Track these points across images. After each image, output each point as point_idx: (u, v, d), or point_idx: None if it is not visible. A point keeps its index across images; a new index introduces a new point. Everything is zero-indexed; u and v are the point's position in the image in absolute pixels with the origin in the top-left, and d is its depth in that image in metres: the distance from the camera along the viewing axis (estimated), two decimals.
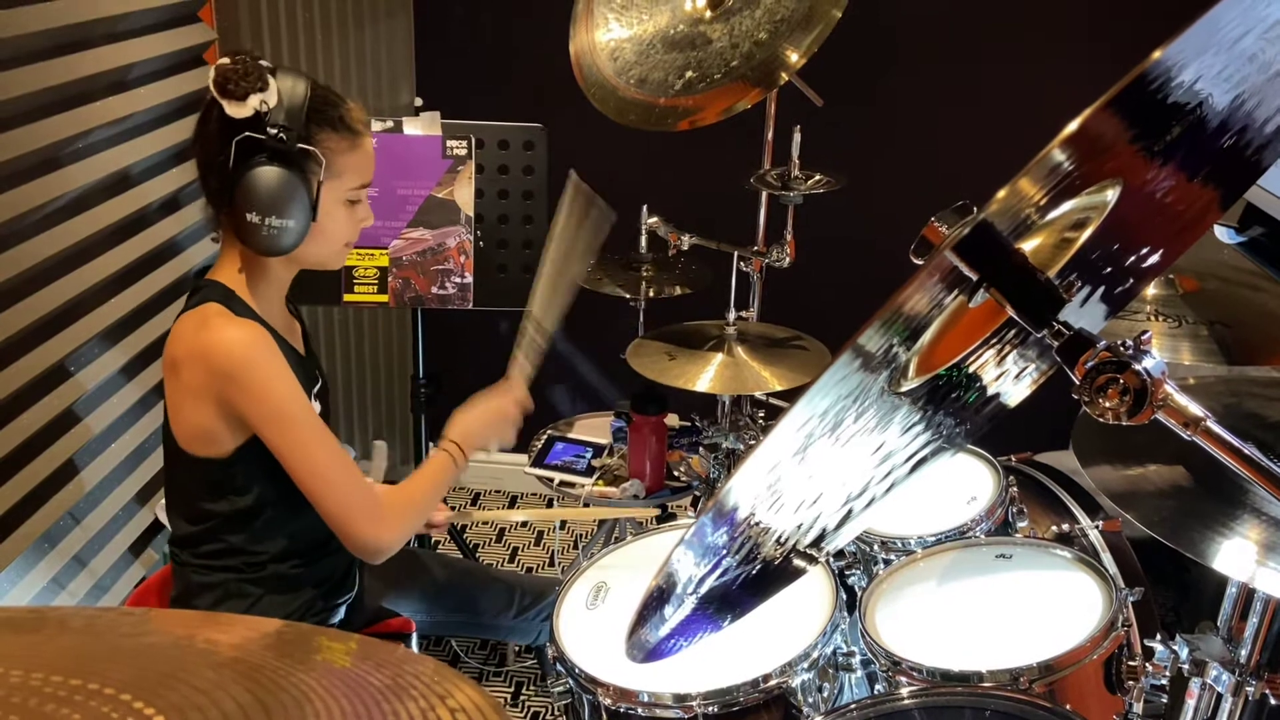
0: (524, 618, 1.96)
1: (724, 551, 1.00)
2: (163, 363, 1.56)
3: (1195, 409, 0.77)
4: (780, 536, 1.04)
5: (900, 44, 2.74)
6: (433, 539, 2.71)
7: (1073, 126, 0.68)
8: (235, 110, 1.43)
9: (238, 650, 0.51)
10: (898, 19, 2.70)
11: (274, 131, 1.44)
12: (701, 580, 1.03)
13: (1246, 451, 0.77)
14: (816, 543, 1.10)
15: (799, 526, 1.04)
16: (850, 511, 1.08)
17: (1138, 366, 0.75)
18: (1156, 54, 0.66)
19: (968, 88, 2.72)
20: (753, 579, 1.09)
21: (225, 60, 1.44)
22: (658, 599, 1.01)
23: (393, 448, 3.20)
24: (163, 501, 2.23)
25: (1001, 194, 0.71)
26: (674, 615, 1.06)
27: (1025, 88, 2.66)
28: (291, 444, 1.49)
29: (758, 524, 0.98)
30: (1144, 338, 0.77)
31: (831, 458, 0.95)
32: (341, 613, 1.72)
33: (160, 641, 0.53)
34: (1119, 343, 0.77)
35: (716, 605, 1.11)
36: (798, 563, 1.13)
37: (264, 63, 1.47)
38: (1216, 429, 0.77)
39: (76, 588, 2.03)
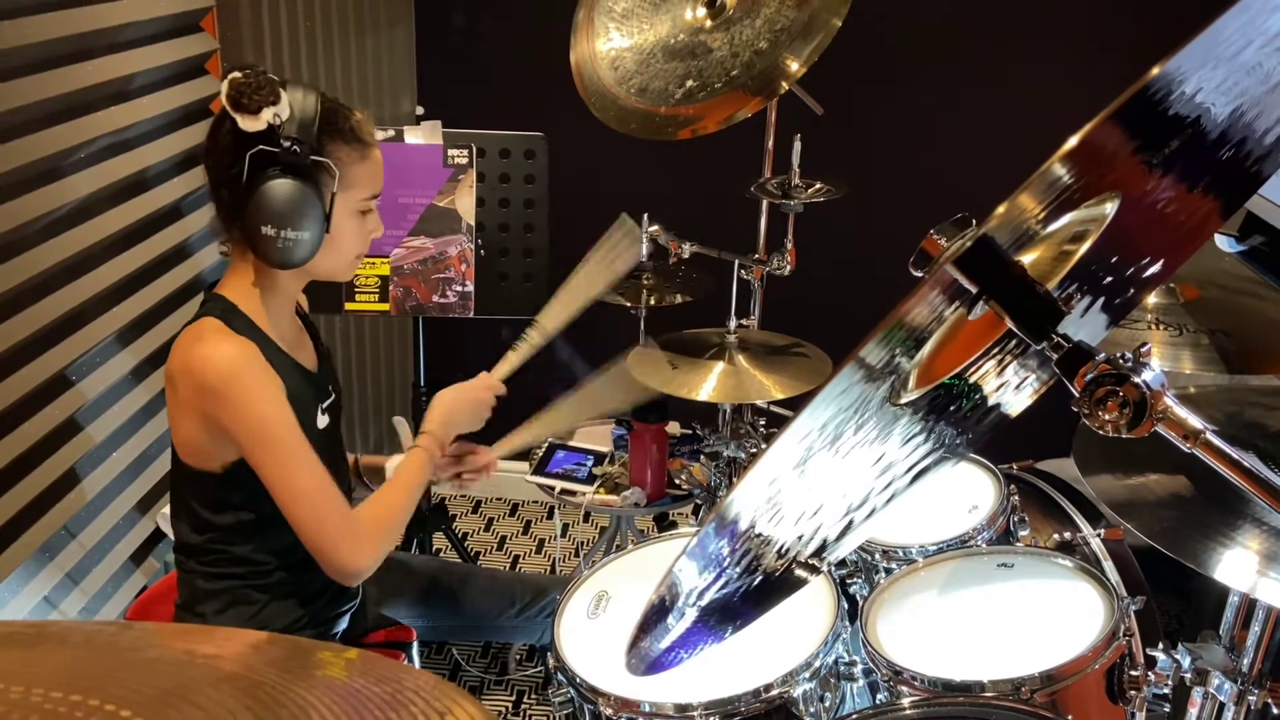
0: (525, 615, 1.95)
1: (725, 563, 1.00)
2: (164, 377, 1.56)
3: (1195, 421, 0.77)
4: (781, 548, 1.04)
5: (900, 53, 2.75)
6: (434, 547, 2.71)
7: (1073, 142, 0.67)
8: (248, 124, 1.43)
9: (238, 665, 0.51)
10: (898, 28, 2.70)
11: (287, 144, 1.45)
12: (703, 592, 1.03)
13: (1246, 464, 0.77)
14: (818, 553, 1.10)
15: (800, 538, 1.04)
16: (851, 522, 1.07)
17: (1137, 379, 0.75)
18: (1155, 70, 0.66)
19: (968, 96, 2.73)
20: (754, 590, 1.09)
21: (237, 74, 1.44)
22: (659, 611, 1.01)
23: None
24: (164, 510, 2.23)
25: (1001, 209, 0.71)
26: (676, 627, 1.06)
27: (1026, 96, 2.66)
28: (271, 464, 1.49)
29: (758, 535, 0.98)
30: (1143, 350, 0.77)
31: (831, 469, 0.95)
32: (345, 621, 1.72)
33: (160, 656, 0.53)
34: (1118, 355, 0.77)
35: (718, 616, 1.11)
36: (799, 573, 1.13)
37: (272, 75, 1.47)
38: (1216, 441, 0.77)
39: (78, 597, 2.03)
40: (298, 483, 1.50)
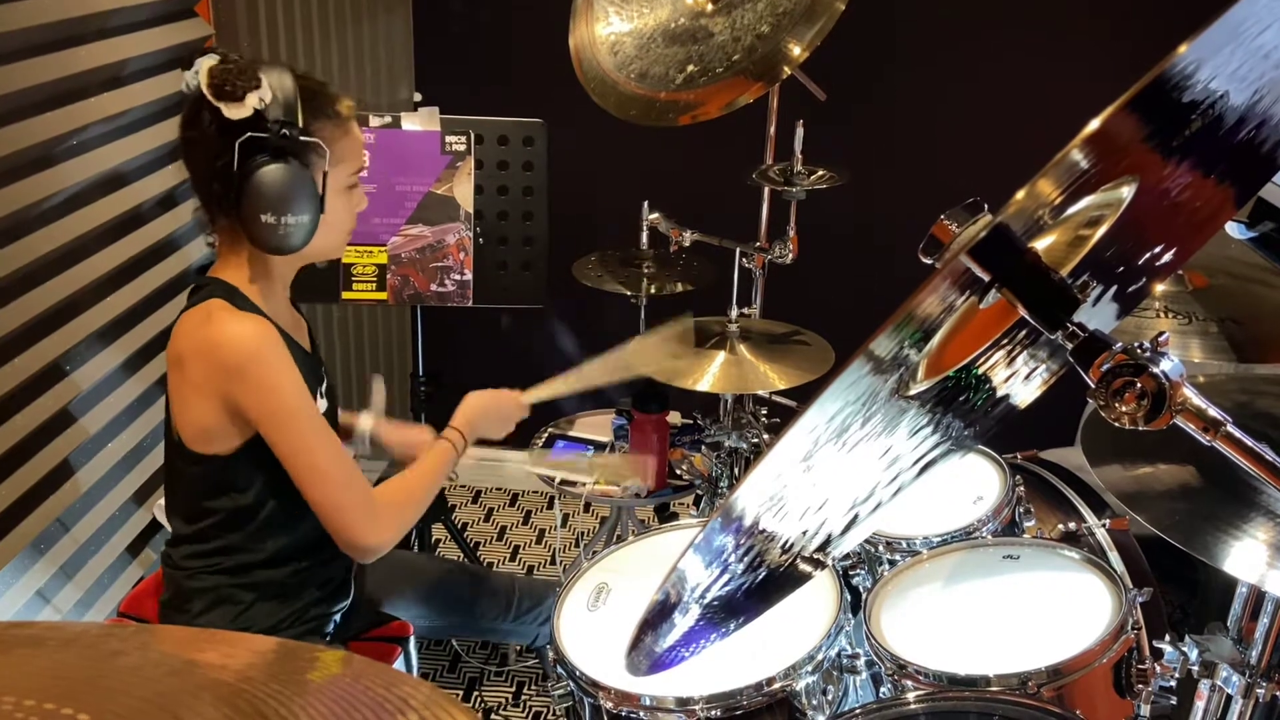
0: (521, 621, 1.94)
1: (729, 559, 0.98)
2: (166, 359, 1.54)
3: (1215, 412, 0.75)
4: (785, 543, 1.02)
5: (904, 37, 2.72)
6: (433, 538, 2.69)
7: (1094, 126, 0.65)
8: (234, 111, 1.39)
9: (221, 672, 0.49)
10: (902, 12, 2.67)
11: (276, 128, 1.42)
12: (706, 589, 1.01)
13: (1268, 457, 0.74)
14: (822, 548, 1.08)
15: (804, 533, 1.02)
16: (856, 516, 1.05)
17: (1155, 369, 0.73)
18: (1183, 48, 0.63)
19: (971, 82, 2.70)
20: (758, 586, 1.07)
21: (213, 61, 1.40)
22: (663, 609, 0.99)
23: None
24: (159, 501, 2.21)
25: (1020, 195, 0.68)
26: (679, 625, 1.04)
27: (1028, 81, 2.63)
28: (291, 441, 1.47)
29: (762, 531, 0.96)
30: (1161, 339, 0.75)
31: (838, 463, 0.93)
32: (336, 620, 1.70)
33: (142, 663, 0.51)
34: (1136, 345, 0.75)
35: (721, 613, 1.09)
36: (803, 568, 1.11)
37: (247, 58, 1.44)
38: (1237, 434, 0.74)
39: (73, 589, 2.02)
40: (317, 458, 1.48)
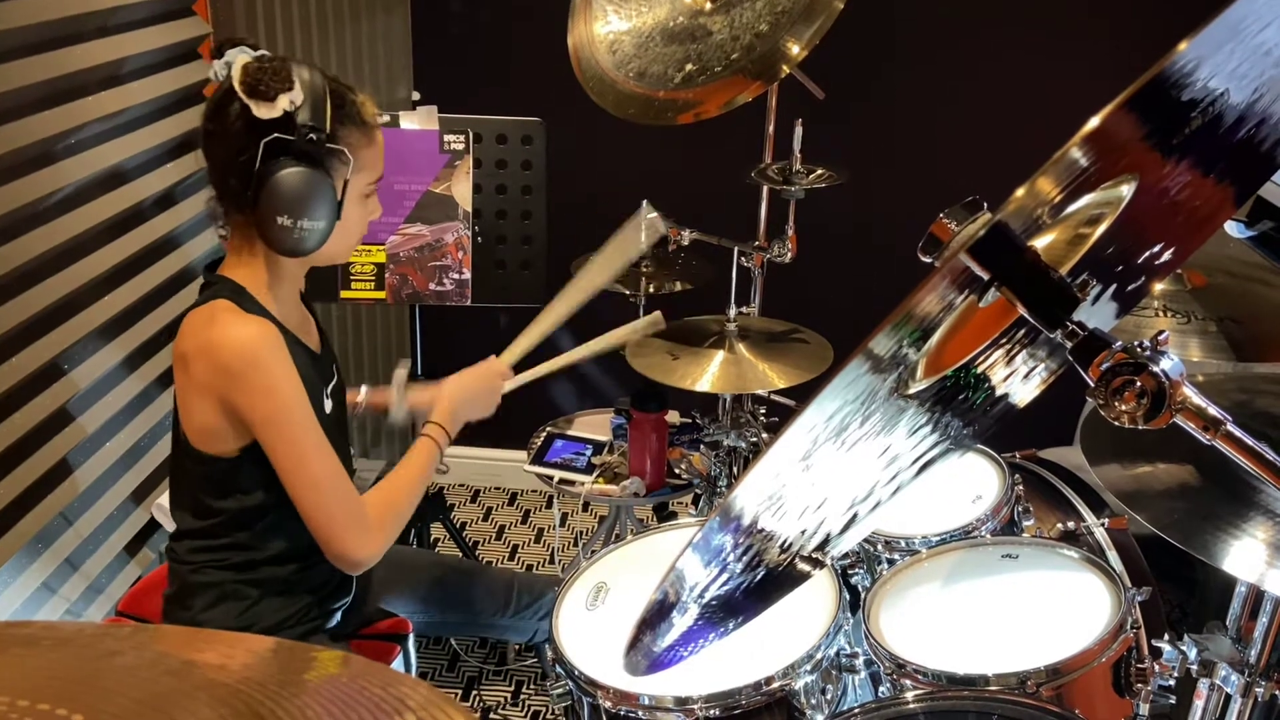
0: (520, 616, 1.94)
1: (727, 559, 0.98)
2: (172, 358, 1.53)
3: (1215, 411, 0.75)
4: (784, 542, 1.02)
5: (903, 36, 2.71)
6: (431, 536, 2.69)
7: (1093, 124, 0.65)
8: (264, 111, 1.39)
9: (218, 672, 0.49)
10: (901, 10, 2.67)
11: (303, 132, 1.41)
12: (705, 589, 1.01)
13: (1268, 456, 0.74)
14: (821, 548, 1.08)
15: (803, 532, 1.02)
16: (855, 516, 1.05)
17: (1155, 368, 0.73)
18: (1182, 46, 0.63)
19: (970, 81, 2.70)
20: (756, 586, 1.07)
21: (248, 58, 1.40)
22: (661, 609, 0.99)
23: (391, 446, 3.18)
24: (158, 500, 2.21)
25: (1020, 193, 0.68)
26: (678, 625, 1.04)
27: (1027, 81, 2.63)
28: (285, 447, 1.47)
29: (761, 531, 0.96)
30: (1161, 338, 0.74)
31: (836, 462, 0.92)
32: (337, 617, 1.70)
33: (138, 662, 0.51)
34: (1135, 343, 0.75)
35: (719, 613, 1.09)
36: (802, 568, 1.11)
37: (280, 57, 1.43)
38: (1238, 433, 0.74)
39: (71, 588, 2.01)
40: (310, 468, 1.47)
